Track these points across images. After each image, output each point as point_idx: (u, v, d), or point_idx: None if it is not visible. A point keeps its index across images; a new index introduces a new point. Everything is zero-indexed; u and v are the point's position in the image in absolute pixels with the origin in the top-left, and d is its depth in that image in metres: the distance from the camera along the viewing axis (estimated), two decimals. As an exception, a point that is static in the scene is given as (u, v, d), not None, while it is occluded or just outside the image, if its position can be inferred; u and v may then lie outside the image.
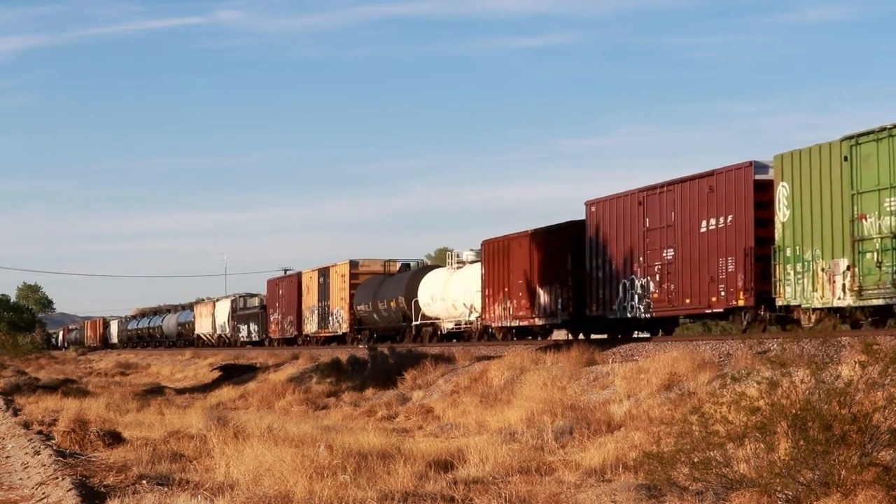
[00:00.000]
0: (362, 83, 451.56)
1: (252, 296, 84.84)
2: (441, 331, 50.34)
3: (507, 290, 42.61)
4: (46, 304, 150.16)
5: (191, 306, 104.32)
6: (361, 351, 45.82)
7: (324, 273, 64.40)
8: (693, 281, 32.72)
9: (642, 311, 35.28)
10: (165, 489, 14.57)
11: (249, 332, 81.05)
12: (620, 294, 36.35)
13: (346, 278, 60.59)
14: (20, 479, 17.62)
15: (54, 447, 20.26)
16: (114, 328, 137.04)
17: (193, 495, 13.96)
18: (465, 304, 46.98)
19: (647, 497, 13.41)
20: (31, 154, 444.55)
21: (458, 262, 49.75)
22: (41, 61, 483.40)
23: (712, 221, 31.90)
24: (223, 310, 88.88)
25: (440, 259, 60.61)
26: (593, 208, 38.09)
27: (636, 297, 35.65)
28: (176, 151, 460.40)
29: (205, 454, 18.18)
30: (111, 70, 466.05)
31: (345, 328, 60.73)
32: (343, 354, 45.01)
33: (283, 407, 32.45)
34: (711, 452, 13.05)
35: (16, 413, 30.66)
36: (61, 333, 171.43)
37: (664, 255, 34.15)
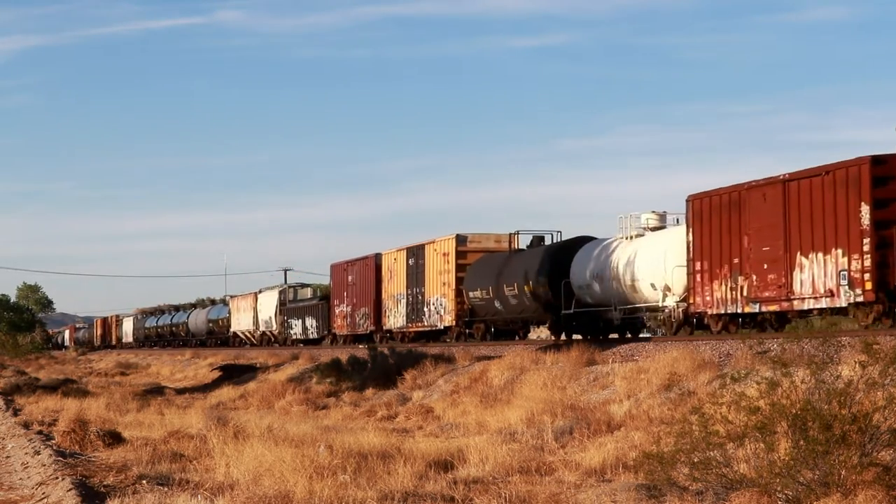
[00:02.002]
0: (362, 83, 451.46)
1: (304, 286, 75.41)
2: (614, 321, 37.62)
3: (736, 261, 31.39)
4: (46, 304, 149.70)
5: (223, 301, 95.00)
6: (361, 351, 45.78)
7: (415, 253, 50.91)
8: None
9: None
10: (165, 489, 14.57)
11: (305, 329, 68.63)
12: None
13: (451, 258, 47.37)
14: (20, 479, 17.62)
15: (54, 447, 20.26)
16: (128, 326, 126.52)
17: (193, 495, 13.97)
18: (653, 285, 34.74)
19: (647, 497, 13.41)
20: (31, 154, 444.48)
21: (638, 230, 36.80)
22: (41, 61, 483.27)
23: None
24: (269, 303, 76.86)
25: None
26: None
27: None
28: (176, 151, 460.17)
29: (205, 454, 18.17)
30: (111, 70, 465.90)
31: (448, 321, 47.49)
32: (343, 354, 45.00)
33: (283, 407, 32.45)
34: (711, 452, 13.05)
35: (16, 413, 30.67)
36: (67, 332, 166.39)
37: None
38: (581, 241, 39.84)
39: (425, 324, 49.60)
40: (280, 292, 75.01)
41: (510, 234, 44.50)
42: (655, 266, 34.64)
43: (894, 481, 12.28)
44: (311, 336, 67.39)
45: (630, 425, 20.41)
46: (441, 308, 48.01)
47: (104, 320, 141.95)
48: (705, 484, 13.15)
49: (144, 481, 15.47)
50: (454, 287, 46.56)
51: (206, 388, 45.14)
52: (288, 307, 73.06)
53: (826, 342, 13.56)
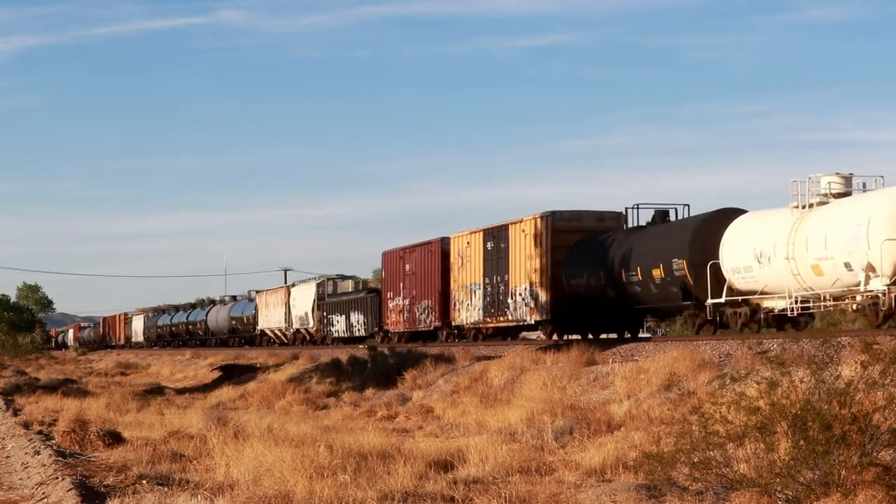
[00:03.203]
0: (363, 83, 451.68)
1: (344, 278, 67.53)
2: (788, 312, 29.58)
3: None
4: (46, 304, 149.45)
5: (248, 296, 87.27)
6: (361, 351, 45.73)
7: (495, 235, 43.07)
8: None
9: None
10: (165, 489, 14.56)
11: (349, 326, 60.28)
12: None
13: (544, 239, 39.53)
14: (20, 479, 17.62)
15: (54, 447, 20.26)
16: (137, 324, 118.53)
17: (193, 495, 13.96)
18: (848, 265, 27.64)
19: (647, 497, 13.41)
20: (31, 154, 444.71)
21: (820, 196, 29.60)
22: (42, 61, 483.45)
23: None
24: (304, 297, 68.76)
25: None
26: None
27: None
28: (176, 151, 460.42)
29: (205, 454, 18.18)
30: (112, 70, 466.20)
31: (538, 315, 39.85)
32: (343, 354, 44.99)
33: (283, 407, 32.46)
34: (711, 452, 13.05)
35: (16, 413, 30.68)
36: (71, 332, 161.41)
37: None
38: (731, 214, 32.63)
39: (510, 318, 41.84)
40: (318, 285, 66.96)
41: (624, 210, 37.16)
42: (852, 240, 27.50)
43: (894, 481, 12.28)
44: (357, 333, 59.18)
45: (630, 425, 20.41)
46: (531, 299, 40.00)
47: (112, 319, 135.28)
48: (705, 484, 13.15)
49: (144, 481, 15.46)
50: (549, 274, 39.08)
51: (206, 388, 45.13)
52: (328, 302, 64.75)
53: (826, 342, 13.56)
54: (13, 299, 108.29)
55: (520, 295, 40.80)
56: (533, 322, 40.74)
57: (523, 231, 40.75)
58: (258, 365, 53.08)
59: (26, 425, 25.94)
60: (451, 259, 46.80)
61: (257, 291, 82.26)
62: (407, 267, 51.54)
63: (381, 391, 34.39)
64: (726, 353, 26.47)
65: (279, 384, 38.66)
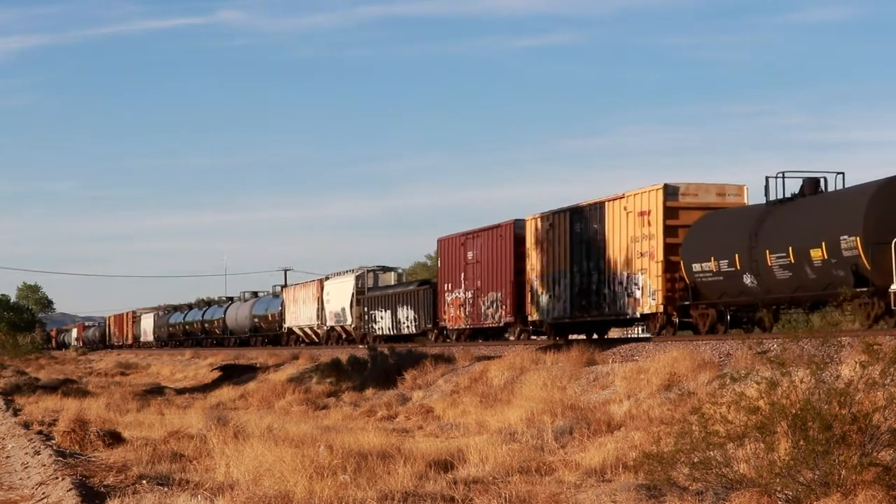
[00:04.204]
0: (363, 83, 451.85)
1: (386, 269, 61.91)
2: None
3: None
4: (46, 304, 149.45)
5: (272, 292, 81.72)
6: (361, 351, 45.73)
7: (587, 214, 37.43)
8: None
9: None
10: (165, 489, 14.56)
11: (396, 322, 53.84)
12: None
13: (656, 217, 34.00)
14: (20, 479, 17.62)
15: (54, 447, 20.26)
16: (147, 323, 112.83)
17: (193, 495, 13.96)
18: None
19: (647, 497, 13.40)
20: (32, 154, 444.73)
21: None
22: (42, 61, 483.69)
23: None
24: (341, 291, 62.49)
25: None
26: None
27: None
28: (176, 151, 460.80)
29: (205, 454, 18.17)
30: (112, 70, 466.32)
31: (650, 306, 34.16)
32: (343, 354, 45.01)
33: (283, 407, 32.46)
34: (711, 452, 13.05)
35: (16, 413, 30.67)
36: (75, 331, 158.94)
37: None
38: None
39: (606, 311, 36.44)
40: (357, 278, 60.47)
41: (765, 179, 30.58)
42: None
43: (894, 481, 12.28)
44: (405, 331, 52.91)
45: (630, 425, 20.41)
46: (635, 289, 34.77)
47: (119, 317, 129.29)
48: (705, 484, 13.15)
49: (144, 481, 15.46)
50: (661, 259, 33.63)
51: (206, 388, 45.13)
52: (369, 296, 58.32)
53: (826, 342, 13.56)
54: (13, 299, 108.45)
55: (620, 284, 35.51)
56: (639, 315, 35.21)
57: (625, 209, 35.28)
58: (258, 365, 53.10)
59: (26, 425, 25.94)
60: (528, 244, 40.85)
61: (282, 286, 77.07)
62: (469, 255, 45.42)
63: (381, 391, 34.40)
64: (726, 353, 26.49)
65: (279, 384, 38.67)
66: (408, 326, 52.58)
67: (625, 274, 35.24)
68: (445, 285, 47.56)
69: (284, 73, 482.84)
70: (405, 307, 52.92)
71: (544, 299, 39.75)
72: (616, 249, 35.62)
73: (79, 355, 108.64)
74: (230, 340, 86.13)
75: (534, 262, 40.48)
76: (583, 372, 28.10)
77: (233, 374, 50.65)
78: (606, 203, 36.20)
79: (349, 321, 60.78)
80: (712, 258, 31.51)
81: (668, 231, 33.69)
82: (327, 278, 65.57)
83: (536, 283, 40.26)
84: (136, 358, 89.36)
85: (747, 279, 30.42)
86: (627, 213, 35.23)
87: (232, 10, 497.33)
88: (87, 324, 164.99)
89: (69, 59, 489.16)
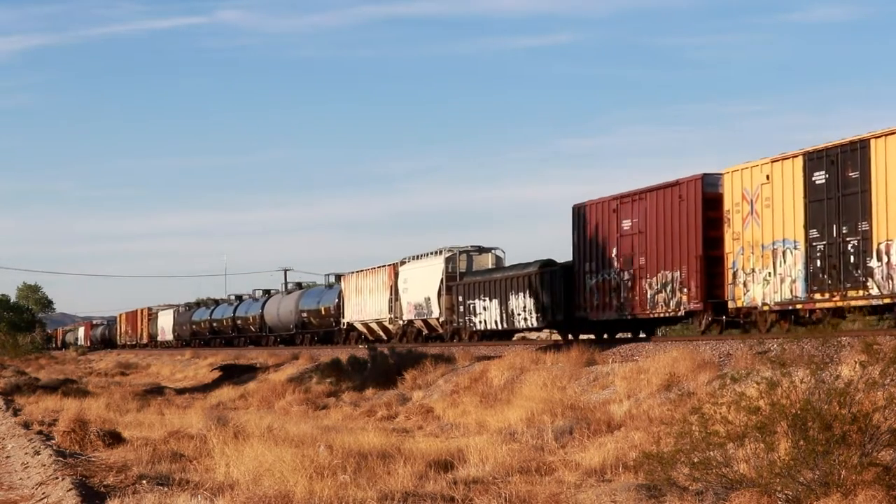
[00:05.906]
0: (363, 83, 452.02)
1: (483, 250, 50.16)
2: None
3: None
4: (46, 304, 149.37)
5: (326, 283, 67.61)
6: (361, 351, 45.69)
7: (839, 158, 27.37)
8: None
9: None
10: (165, 489, 14.56)
11: (509, 314, 42.16)
12: None
13: None
14: (20, 479, 17.62)
15: (54, 447, 20.27)
16: (165, 321, 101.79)
17: (193, 495, 13.96)
18: None
19: (647, 497, 13.40)
20: (32, 154, 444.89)
21: None
22: (43, 61, 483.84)
23: None
24: (425, 277, 50.80)
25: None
26: None
27: None
28: (177, 151, 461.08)
29: (205, 454, 18.17)
30: (113, 70, 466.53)
31: None
32: (343, 354, 45.01)
33: (283, 407, 32.46)
34: (711, 452, 13.05)
35: (16, 413, 30.68)
36: (82, 330, 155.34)
37: None
38: None
39: (872, 292, 26.49)
40: (447, 260, 49.17)
41: None
42: None
43: (894, 481, 12.28)
44: (521, 324, 41.87)
45: (630, 425, 20.41)
46: None
47: (132, 315, 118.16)
48: (705, 484, 13.14)
49: (144, 481, 15.46)
50: None
51: (206, 388, 45.13)
52: (464, 283, 46.42)
53: (826, 342, 13.56)
54: (13, 299, 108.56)
55: None
56: None
57: None
58: (258, 365, 53.10)
59: (26, 425, 25.94)
60: (726, 206, 31.16)
61: (340, 274, 63.49)
62: (625, 224, 35.69)
63: (381, 391, 34.40)
64: (726, 354, 26.48)
65: (279, 384, 38.66)
66: (525, 319, 41.31)
67: None
68: (584, 264, 37.72)
69: (284, 73, 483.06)
70: (521, 295, 41.53)
71: (759, 279, 30.12)
72: (893, 204, 26.13)
73: (79, 355, 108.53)
74: (269, 339, 73.97)
75: (739, 228, 30.71)
76: (583, 372, 28.09)
77: (233, 374, 50.65)
78: (872, 140, 26.41)
79: (436, 313, 49.50)
80: None
81: None
82: (402, 263, 54.22)
83: (744, 259, 30.64)
84: (135, 358, 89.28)
85: None
86: None
87: (232, 10, 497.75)
88: (95, 322, 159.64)
89: (69, 59, 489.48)
